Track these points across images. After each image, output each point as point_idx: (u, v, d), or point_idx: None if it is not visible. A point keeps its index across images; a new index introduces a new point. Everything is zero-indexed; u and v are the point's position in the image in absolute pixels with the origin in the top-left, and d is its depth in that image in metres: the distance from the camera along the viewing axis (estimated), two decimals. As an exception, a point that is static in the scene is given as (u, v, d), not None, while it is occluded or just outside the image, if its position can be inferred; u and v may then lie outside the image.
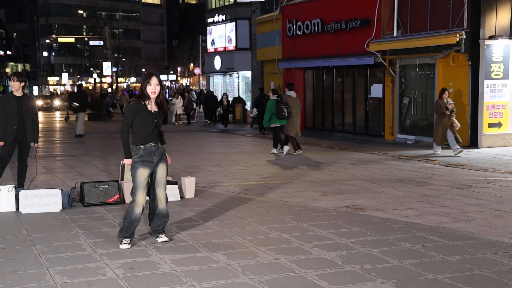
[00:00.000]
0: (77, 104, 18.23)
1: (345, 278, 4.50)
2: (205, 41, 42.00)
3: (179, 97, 26.47)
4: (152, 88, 5.32)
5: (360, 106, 18.88)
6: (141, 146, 5.33)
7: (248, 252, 5.20)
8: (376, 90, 17.84)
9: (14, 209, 6.88)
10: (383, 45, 16.67)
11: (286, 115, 13.08)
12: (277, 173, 10.63)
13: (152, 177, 5.42)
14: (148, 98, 5.36)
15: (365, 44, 17.17)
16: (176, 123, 26.23)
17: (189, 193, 7.92)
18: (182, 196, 7.81)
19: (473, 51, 14.35)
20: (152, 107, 5.38)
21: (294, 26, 20.75)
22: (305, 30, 20.20)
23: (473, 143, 14.55)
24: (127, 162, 5.33)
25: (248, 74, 36.03)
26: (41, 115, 33.33)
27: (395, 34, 16.62)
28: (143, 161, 5.31)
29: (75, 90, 23.28)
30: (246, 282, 4.39)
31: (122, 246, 5.27)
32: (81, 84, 21.33)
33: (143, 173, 5.30)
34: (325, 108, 20.57)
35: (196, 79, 61.30)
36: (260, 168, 11.33)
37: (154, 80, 5.35)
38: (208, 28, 39.92)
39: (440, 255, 5.11)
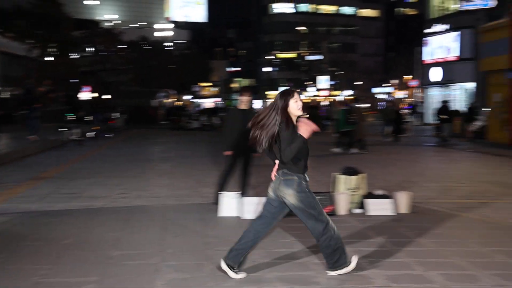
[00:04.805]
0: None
1: None
2: (421, 52, 40.67)
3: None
4: (300, 105, 4.70)
5: None
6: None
7: (468, 275, 4.86)
8: None
9: (237, 215, 7.40)
10: None
11: (353, 121, 16.85)
12: (503, 193, 9.78)
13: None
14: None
15: None
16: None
17: (404, 208, 7.70)
18: (397, 211, 7.62)
19: None
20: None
21: (525, 33, 19.00)
22: (538, 36, 18.37)
23: None
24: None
25: (469, 85, 33.93)
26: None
27: None
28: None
29: None
30: (465, 307, 4.10)
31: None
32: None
33: None
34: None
35: (411, 92, 59.66)
36: (482, 186, 10.54)
37: (297, 95, 4.70)
38: (425, 38, 38.62)
39: None
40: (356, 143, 17.37)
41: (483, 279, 4.75)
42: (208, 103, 63.88)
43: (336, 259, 4.78)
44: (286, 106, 4.63)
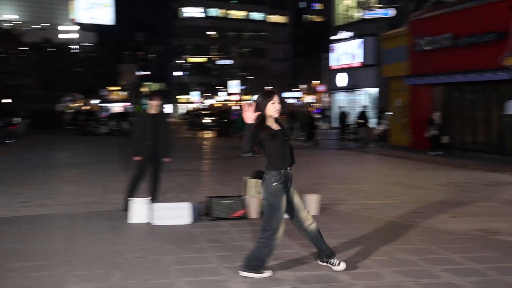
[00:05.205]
0: None
1: (478, 306, 4.22)
2: (328, 58, 41.99)
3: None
4: (277, 107, 4.85)
5: (495, 124, 17.77)
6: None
7: (372, 273, 5.07)
8: (511, 107, 16.71)
9: (148, 221, 7.29)
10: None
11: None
12: (404, 193, 10.29)
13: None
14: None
15: (499, 58, 16.19)
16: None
17: (313, 210, 7.90)
18: (305, 213, 7.80)
19: None
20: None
21: (423, 41, 20.10)
22: (435, 45, 19.49)
23: None
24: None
25: (373, 91, 35.43)
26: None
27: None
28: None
29: None
30: (370, 304, 4.27)
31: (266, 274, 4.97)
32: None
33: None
34: (454, 126, 19.64)
35: (319, 96, 61.45)
36: (387, 187, 11.04)
37: (276, 98, 4.89)
38: (332, 45, 39.89)
39: None
40: None
41: (386, 276, 4.97)
42: (117, 107, 62.37)
43: (256, 264, 4.91)
44: (263, 106, 4.81)
